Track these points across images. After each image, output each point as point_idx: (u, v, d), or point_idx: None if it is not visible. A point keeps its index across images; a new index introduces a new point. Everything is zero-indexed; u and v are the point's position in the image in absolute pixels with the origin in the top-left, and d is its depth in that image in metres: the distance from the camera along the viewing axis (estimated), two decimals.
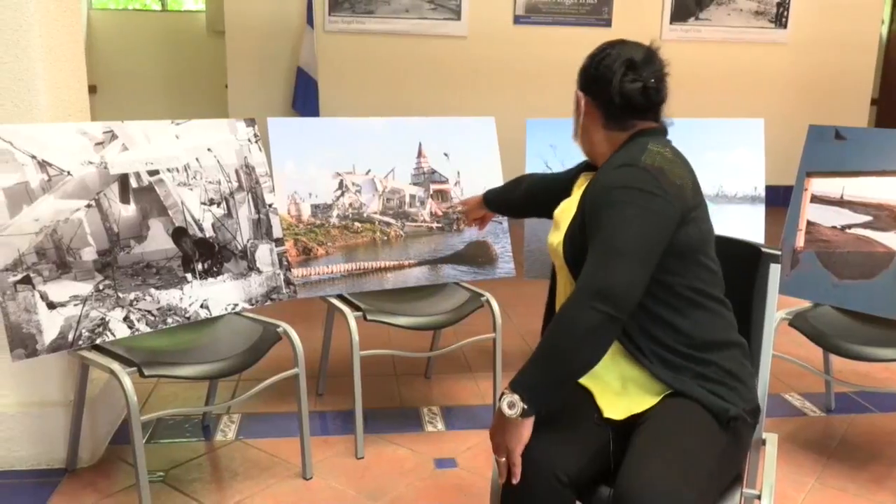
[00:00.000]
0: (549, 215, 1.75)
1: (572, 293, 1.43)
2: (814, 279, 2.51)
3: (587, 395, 1.58)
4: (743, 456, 1.57)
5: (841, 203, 2.53)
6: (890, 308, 2.35)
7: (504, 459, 1.45)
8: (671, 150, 1.54)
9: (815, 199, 2.58)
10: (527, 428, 1.43)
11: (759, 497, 1.62)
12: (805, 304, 2.56)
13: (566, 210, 1.64)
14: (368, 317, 2.48)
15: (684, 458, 1.37)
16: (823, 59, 6.75)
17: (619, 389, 1.55)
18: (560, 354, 1.41)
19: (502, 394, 1.43)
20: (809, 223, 2.56)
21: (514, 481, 1.43)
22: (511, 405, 1.41)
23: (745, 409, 1.50)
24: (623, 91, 1.54)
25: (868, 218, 2.47)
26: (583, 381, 1.55)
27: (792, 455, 2.52)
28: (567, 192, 1.74)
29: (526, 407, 1.40)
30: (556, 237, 1.62)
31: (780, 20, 6.66)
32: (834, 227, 2.53)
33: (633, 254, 1.40)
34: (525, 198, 2.21)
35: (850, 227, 2.50)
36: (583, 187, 1.64)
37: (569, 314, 1.41)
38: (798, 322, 2.43)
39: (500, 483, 1.48)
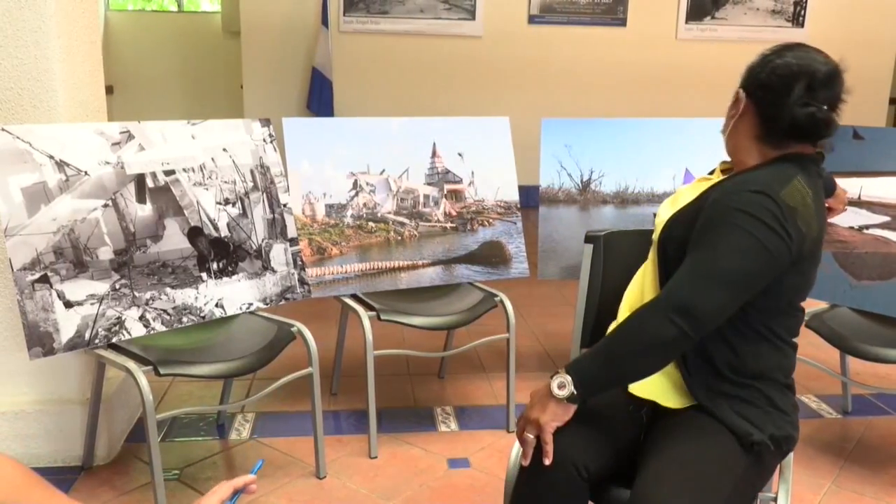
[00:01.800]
0: None
1: (656, 298, 1.41)
2: (831, 280, 2.48)
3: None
4: (764, 481, 1.54)
5: (859, 203, 2.51)
6: None
7: (533, 437, 1.42)
8: (814, 195, 1.43)
9: None
10: (568, 412, 1.42)
11: (774, 500, 1.61)
12: (822, 305, 2.53)
13: (687, 194, 1.57)
14: (382, 316, 2.48)
15: (700, 481, 1.36)
16: (841, 59, 6.69)
17: (657, 375, 1.51)
18: (624, 356, 1.41)
19: (555, 373, 1.42)
20: (827, 224, 2.54)
21: (547, 461, 1.40)
22: (562, 385, 1.40)
23: (775, 434, 1.45)
24: (794, 115, 1.42)
25: (886, 219, 2.45)
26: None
27: (808, 457, 2.50)
28: None
29: (576, 392, 1.40)
30: (667, 213, 1.56)
31: (797, 19, 6.61)
32: (851, 228, 2.50)
33: (731, 284, 1.37)
34: None
35: (868, 227, 2.47)
36: (707, 181, 1.58)
37: (645, 319, 1.40)
38: (815, 323, 2.41)
39: (522, 463, 1.45)
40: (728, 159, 1.61)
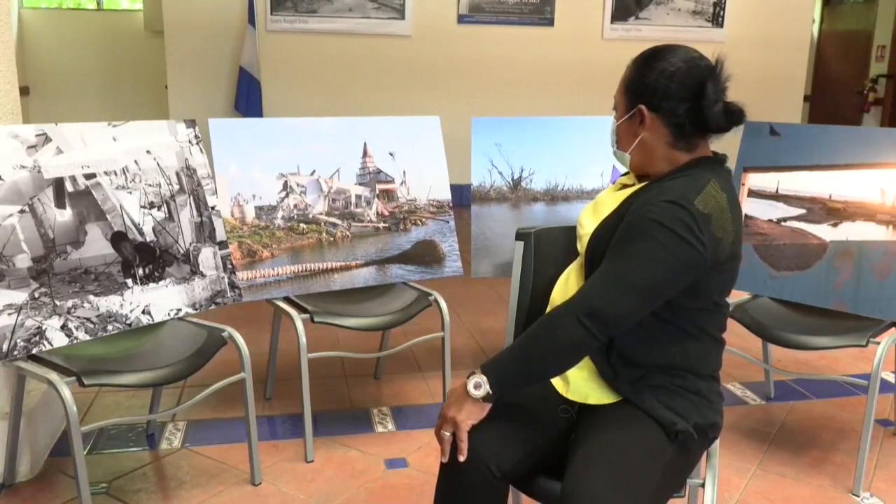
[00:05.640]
0: None
1: (569, 301, 1.45)
2: (752, 272, 2.58)
3: (546, 385, 1.59)
4: (691, 467, 1.58)
5: (776, 197, 2.61)
6: (824, 298, 2.44)
7: (449, 435, 1.46)
8: (729, 198, 1.47)
9: (752, 194, 2.65)
10: (484, 410, 1.46)
11: (702, 485, 1.66)
12: (744, 295, 2.63)
13: (607, 202, 1.59)
14: (316, 319, 2.46)
15: (628, 471, 1.39)
16: (758, 58, 6.94)
17: (585, 374, 1.56)
18: (537, 356, 1.45)
19: (472, 373, 1.46)
20: (747, 217, 2.63)
21: (461, 458, 1.44)
22: (477, 385, 1.44)
23: (699, 423, 1.50)
24: (712, 113, 1.45)
25: (802, 211, 2.55)
26: None
27: (734, 443, 2.59)
28: None
29: (491, 392, 1.44)
30: (591, 225, 1.58)
31: (716, 19, 6.84)
32: (770, 221, 2.60)
33: (642, 293, 1.41)
34: None
35: (785, 220, 2.58)
36: (626, 189, 1.59)
37: (558, 321, 1.44)
38: (737, 313, 2.49)
39: (442, 461, 1.49)
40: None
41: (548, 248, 1.81)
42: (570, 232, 1.77)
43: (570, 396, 1.57)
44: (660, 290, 1.42)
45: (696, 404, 1.51)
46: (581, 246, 1.61)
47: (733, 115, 1.47)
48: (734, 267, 1.51)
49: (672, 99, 1.47)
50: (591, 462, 1.40)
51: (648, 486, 1.39)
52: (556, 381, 1.60)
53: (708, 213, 1.41)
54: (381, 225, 2.80)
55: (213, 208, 2.40)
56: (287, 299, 2.55)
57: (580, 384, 1.56)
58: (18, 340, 1.95)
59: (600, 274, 1.44)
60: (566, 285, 1.63)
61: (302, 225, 2.66)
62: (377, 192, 2.81)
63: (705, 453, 1.66)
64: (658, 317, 1.47)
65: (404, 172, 2.85)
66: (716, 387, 1.58)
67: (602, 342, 1.43)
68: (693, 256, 1.40)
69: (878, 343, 2.25)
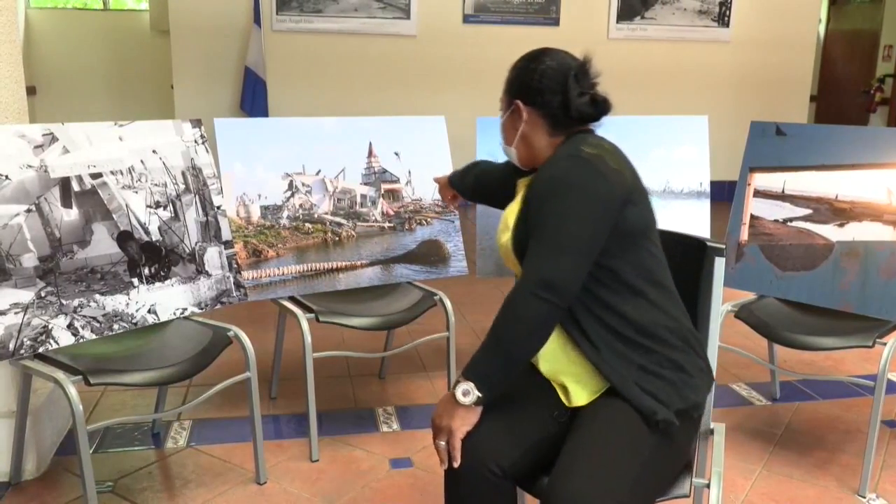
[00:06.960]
0: (495, 204, 1.78)
1: (517, 283, 1.47)
2: (757, 272, 2.57)
3: (543, 388, 1.60)
4: (680, 454, 1.57)
5: (782, 197, 2.60)
6: (830, 298, 2.43)
7: (444, 443, 1.48)
8: (609, 143, 1.59)
9: (758, 194, 2.64)
10: (476, 414, 1.48)
11: (707, 486, 1.65)
12: (750, 296, 2.62)
13: (512, 210, 1.66)
14: (321, 318, 2.46)
15: (607, 466, 1.39)
16: (764, 58, 6.93)
17: (581, 377, 1.57)
18: (507, 342, 1.46)
19: (457, 382, 1.47)
20: (753, 217, 2.63)
21: (456, 464, 1.47)
22: (466, 393, 1.46)
23: (680, 407, 1.49)
24: (577, 104, 1.58)
25: (808, 211, 2.55)
26: (549, 375, 1.59)
27: (739, 444, 2.59)
28: (511, 190, 1.77)
29: (481, 395, 1.45)
30: (506, 236, 1.64)
31: (722, 19, 6.82)
32: (776, 221, 2.59)
33: (576, 246, 1.45)
34: (474, 185, 2.27)
35: (791, 220, 2.57)
36: (524, 189, 1.67)
37: (514, 304, 1.46)
38: (743, 314, 2.49)
39: (442, 468, 1.51)
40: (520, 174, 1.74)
41: None
42: None
43: (572, 404, 1.57)
44: (592, 237, 1.46)
45: (676, 385, 1.50)
46: (508, 255, 1.63)
47: (599, 105, 1.60)
48: (645, 200, 1.56)
49: (544, 93, 1.60)
50: (572, 460, 1.41)
51: (626, 479, 1.39)
52: (560, 392, 1.59)
53: (598, 154, 1.52)
54: (387, 224, 2.80)
55: (218, 208, 2.40)
56: (292, 299, 2.56)
57: (576, 391, 1.56)
58: (25, 339, 1.96)
59: (535, 246, 1.48)
60: None
61: (307, 224, 2.67)
62: (382, 191, 2.81)
63: (709, 453, 1.65)
64: (601, 283, 1.49)
65: (409, 172, 2.85)
66: (697, 360, 1.56)
67: (564, 308, 1.45)
68: (605, 189, 1.47)
69: (885, 344, 2.24)
